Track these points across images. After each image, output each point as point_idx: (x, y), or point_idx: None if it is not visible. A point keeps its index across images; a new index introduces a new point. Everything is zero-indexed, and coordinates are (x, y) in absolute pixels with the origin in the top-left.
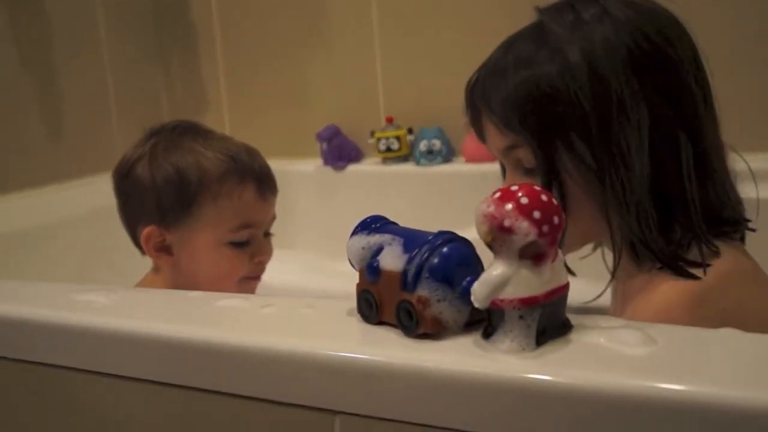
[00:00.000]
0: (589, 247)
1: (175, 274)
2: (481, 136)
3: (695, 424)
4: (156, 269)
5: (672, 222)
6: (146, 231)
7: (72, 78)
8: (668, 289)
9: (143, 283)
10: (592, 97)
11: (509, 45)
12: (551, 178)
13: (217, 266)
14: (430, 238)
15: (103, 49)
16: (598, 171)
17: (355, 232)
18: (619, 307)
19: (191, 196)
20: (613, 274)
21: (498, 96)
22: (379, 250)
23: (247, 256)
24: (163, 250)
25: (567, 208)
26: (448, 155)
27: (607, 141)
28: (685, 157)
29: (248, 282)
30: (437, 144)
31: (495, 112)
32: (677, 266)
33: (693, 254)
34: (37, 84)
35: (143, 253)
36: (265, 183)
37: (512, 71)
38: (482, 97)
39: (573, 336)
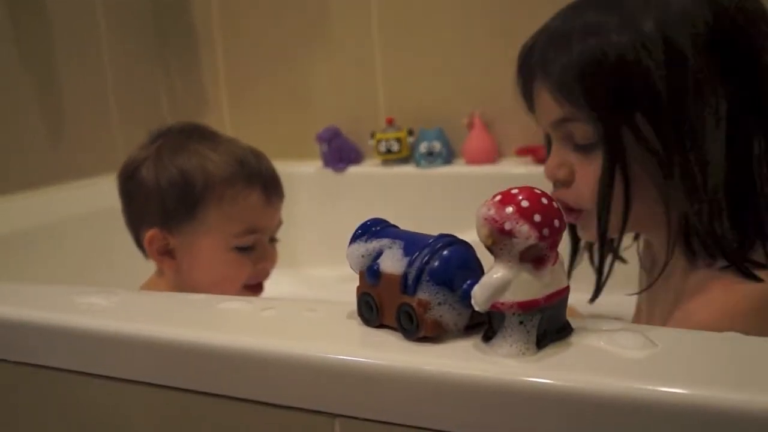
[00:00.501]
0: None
1: (178, 277)
2: (530, 105)
3: (695, 427)
4: (159, 272)
5: (742, 217)
6: (149, 234)
7: (72, 78)
8: (734, 292)
9: (147, 286)
10: (667, 73)
11: (575, 9)
12: (615, 157)
13: (219, 271)
14: (430, 241)
15: (103, 49)
16: (664, 155)
17: (354, 239)
18: (668, 306)
19: (196, 200)
20: (664, 268)
21: (559, 63)
22: (379, 254)
23: (250, 262)
24: (167, 253)
25: (626, 190)
26: (448, 157)
27: (678, 123)
28: (757, 146)
29: (251, 290)
30: (437, 146)
31: (553, 80)
32: (743, 267)
33: (758, 255)
34: (37, 84)
35: (146, 255)
36: (271, 187)
37: (578, 38)
38: (540, 63)
39: (573, 339)
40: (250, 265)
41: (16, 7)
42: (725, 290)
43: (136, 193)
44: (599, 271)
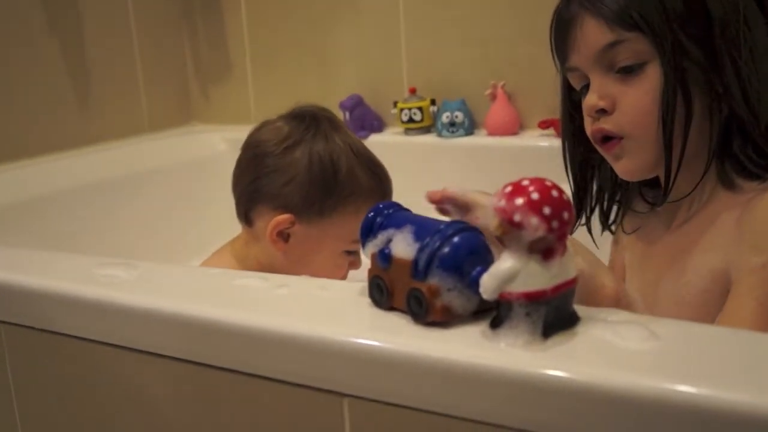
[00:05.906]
0: None
1: (277, 259)
2: (564, 46)
3: (692, 422)
4: (249, 244)
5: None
6: (283, 217)
7: (99, 41)
8: None
9: (234, 253)
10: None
11: None
12: (675, 69)
13: (324, 269)
14: (441, 227)
15: (130, 12)
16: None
17: (363, 237)
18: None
19: (338, 201)
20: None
21: None
22: (390, 239)
23: (347, 265)
24: (281, 236)
25: (686, 94)
26: (470, 127)
27: (728, 40)
28: None
29: None
30: (459, 116)
31: (605, 8)
32: None
33: None
34: (65, 47)
35: (246, 225)
36: None
37: None
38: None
39: (579, 329)
40: (347, 268)
41: None
42: None
43: (279, 170)
44: (667, 178)
